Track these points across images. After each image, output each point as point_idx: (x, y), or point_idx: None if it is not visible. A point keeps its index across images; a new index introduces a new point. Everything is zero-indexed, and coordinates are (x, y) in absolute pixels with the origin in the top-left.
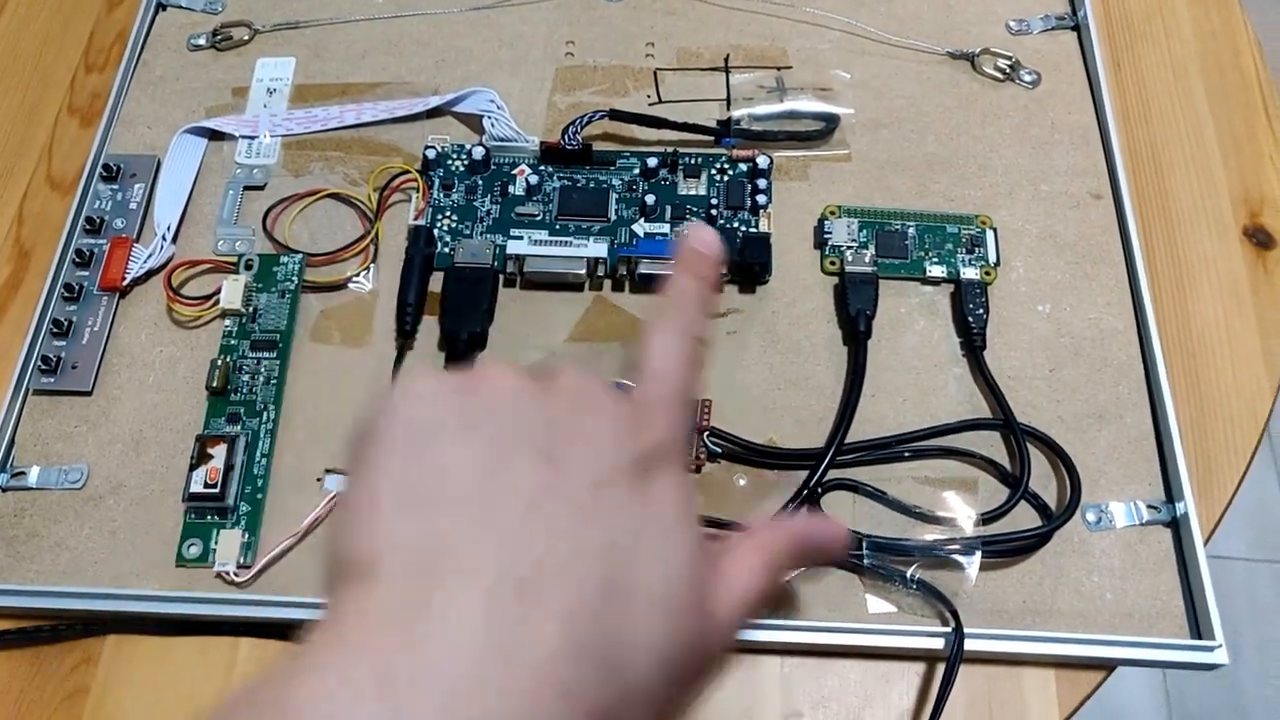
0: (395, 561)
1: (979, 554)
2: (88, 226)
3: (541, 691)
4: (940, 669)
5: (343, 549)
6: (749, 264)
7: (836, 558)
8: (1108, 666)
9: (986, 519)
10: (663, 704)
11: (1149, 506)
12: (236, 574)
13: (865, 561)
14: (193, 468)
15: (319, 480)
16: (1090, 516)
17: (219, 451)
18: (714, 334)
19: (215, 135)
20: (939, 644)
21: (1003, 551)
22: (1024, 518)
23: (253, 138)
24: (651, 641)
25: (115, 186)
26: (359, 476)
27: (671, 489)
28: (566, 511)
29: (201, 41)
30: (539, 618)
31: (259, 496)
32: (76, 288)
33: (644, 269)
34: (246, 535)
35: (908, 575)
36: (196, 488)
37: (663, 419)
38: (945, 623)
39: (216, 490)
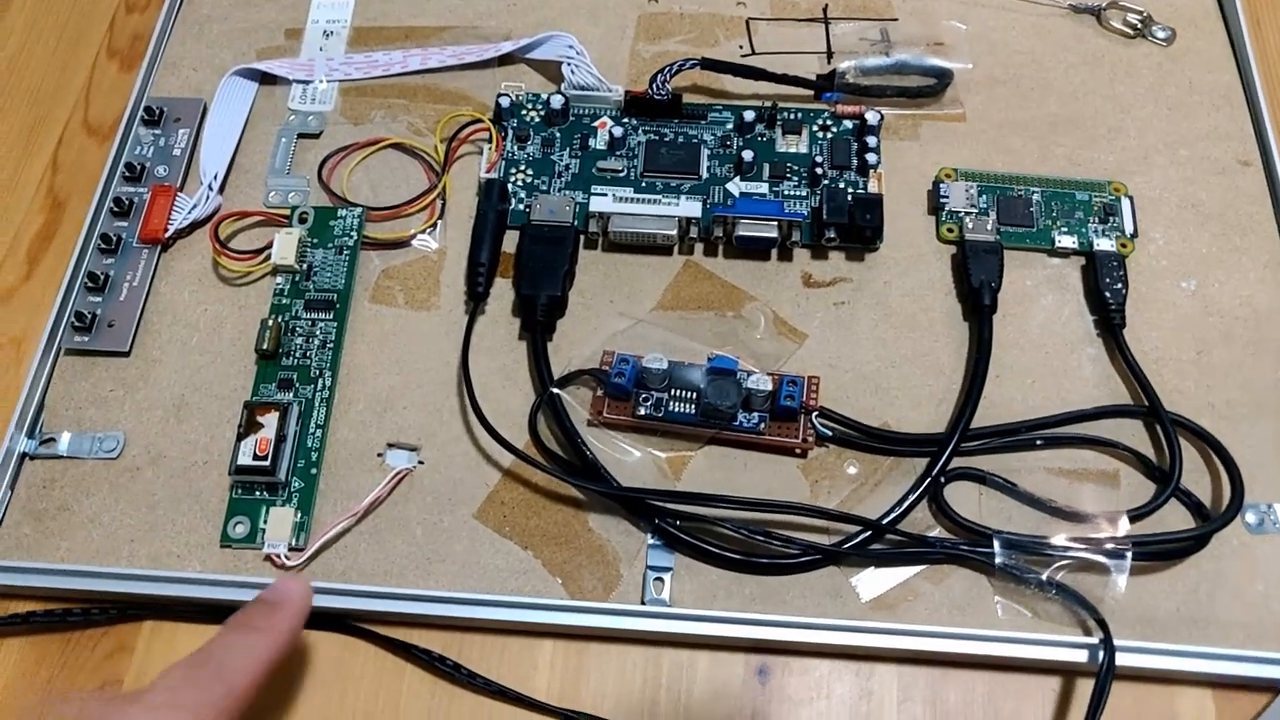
0: None
1: (1129, 557)
2: (127, 173)
3: None
4: (1081, 685)
5: None
6: (859, 227)
7: None
8: (1274, 689)
9: (1131, 517)
10: None
11: None
12: (287, 557)
13: (997, 561)
14: (240, 438)
15: (380, 456)
16: (1250, 518)
17: (269, 420)
18: (821, 307)
19: (267, 79)
20: (1081, 656)
21: (1153, 554)
22: (1172, 517)
23: (307, 82)
24: None
25: (158, 131)
26: None
27: None
28: None
29: None
30: None
31: (313, 472)
32: (114, 239)
33: (743, 230)
34: (299, 514)
35: (1045, 578)
36: (245, 460)
37: None
38: (1089, 633)
39: (267, 463)
